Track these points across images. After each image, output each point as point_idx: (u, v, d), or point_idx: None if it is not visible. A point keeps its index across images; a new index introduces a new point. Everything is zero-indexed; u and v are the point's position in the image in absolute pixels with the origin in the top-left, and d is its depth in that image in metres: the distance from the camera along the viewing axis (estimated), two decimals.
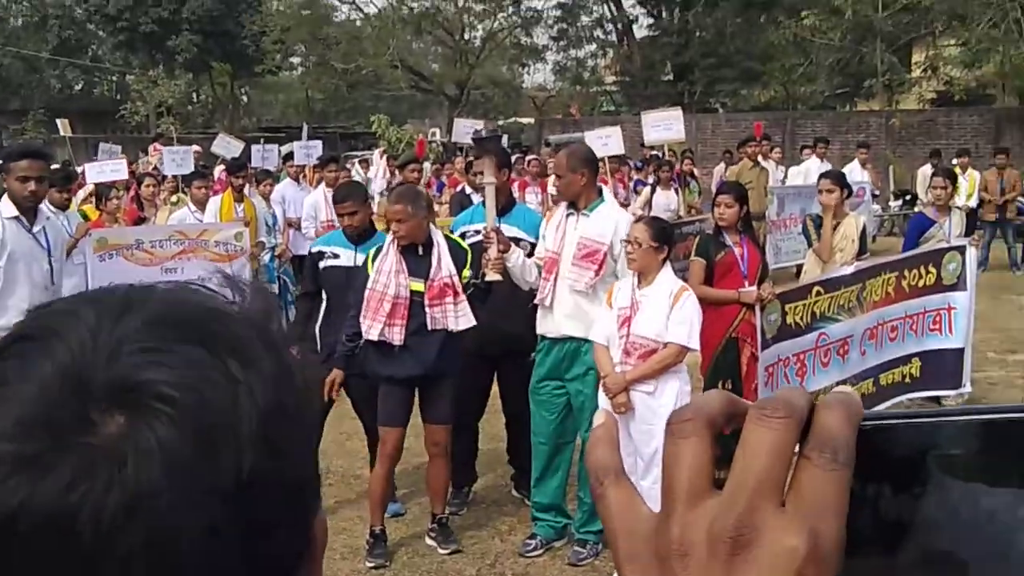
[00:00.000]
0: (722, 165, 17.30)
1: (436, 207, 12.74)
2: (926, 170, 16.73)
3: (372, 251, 5.67)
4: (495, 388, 6.47)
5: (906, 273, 7.73)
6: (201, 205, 10.38)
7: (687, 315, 5.12)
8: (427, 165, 16.60)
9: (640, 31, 35.69)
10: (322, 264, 5.99)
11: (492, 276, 5.43)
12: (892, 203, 20.38)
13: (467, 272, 5.52)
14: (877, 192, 17.46)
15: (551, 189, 12.57)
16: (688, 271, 6.94)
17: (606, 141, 12.78)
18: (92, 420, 0.57)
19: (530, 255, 5.67)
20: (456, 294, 5.43)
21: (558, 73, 37.94)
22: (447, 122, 32.50)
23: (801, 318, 7.01)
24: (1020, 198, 16.11)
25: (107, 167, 11.55)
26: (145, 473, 0.56)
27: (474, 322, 5.54)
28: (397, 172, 11.77)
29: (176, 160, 12.63)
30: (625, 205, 13.11)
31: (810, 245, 7.74)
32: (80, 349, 0.59)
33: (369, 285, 5.43)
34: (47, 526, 0.55)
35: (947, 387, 7.96)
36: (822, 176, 8.06)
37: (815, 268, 7.63)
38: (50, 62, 43.00)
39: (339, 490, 6.70)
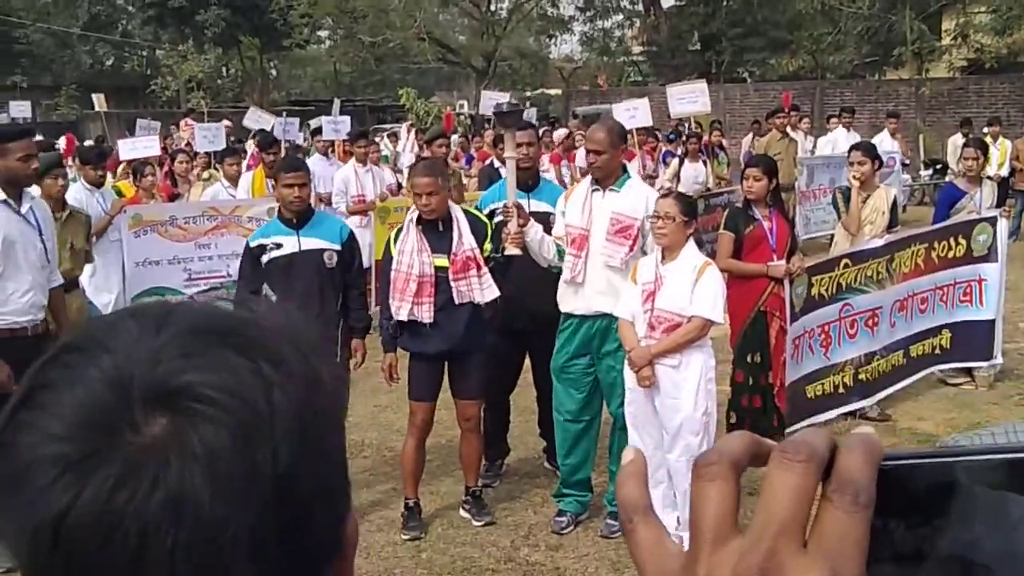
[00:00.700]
0: (750, 136, 17.23)
1: (465, 180, 12.84)
2: (957, 139, 16.60)
3: (392, 233, 5.73)
4: (526, 362, 6.53)
5: (936, 245, 7.74)
6: (234, 181, 10.51)
7: (711, 289, 5.16)
8: (455, 138, 16.65)
9: (667, 1, 35.44)
10: (265, 258, 5.69)
11: (512, 250, 5.45)
12: (922, 172, 20.23)
13: (488, 245, 5.58)
14: (907, 162, 17.34)
15: (579, 161, 12.60)
16: (717, 244, 6.99)
17: (634, 113, 12.77)
18: (136, 422, 0.60)
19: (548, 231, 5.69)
20: (479, 267, 5.50)
21: (585, 44, 37.79)
22: (475, 94, 32.45)
23: (826, 289, 7.05)
24: None
25: (140, 143, 11.66)
26: (188, 472, 0.59)
27: (498, 293, 5.60)
28: (424, 147, 11.80)
29: (208, 137, 12.75)
30: (653, 177, 13.16)
31: (839, 217, 7.74)
32: (124, 356, 0.63)
33: (393, 266, 5.48)
34: (95, 524, 0.58)
35: (978, 359, 7.98)
36: (852, 148, 8.02)
37: (844, 241, 7.64)
38: (81, 38, 43.22)
39: (374, 462, 6.81)
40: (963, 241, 7.84)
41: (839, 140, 15.26)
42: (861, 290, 7.23)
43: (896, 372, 7.57)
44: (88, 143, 16.65)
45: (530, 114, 18.63)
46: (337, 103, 18.43)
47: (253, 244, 5.76)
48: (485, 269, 5.51)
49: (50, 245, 5.88)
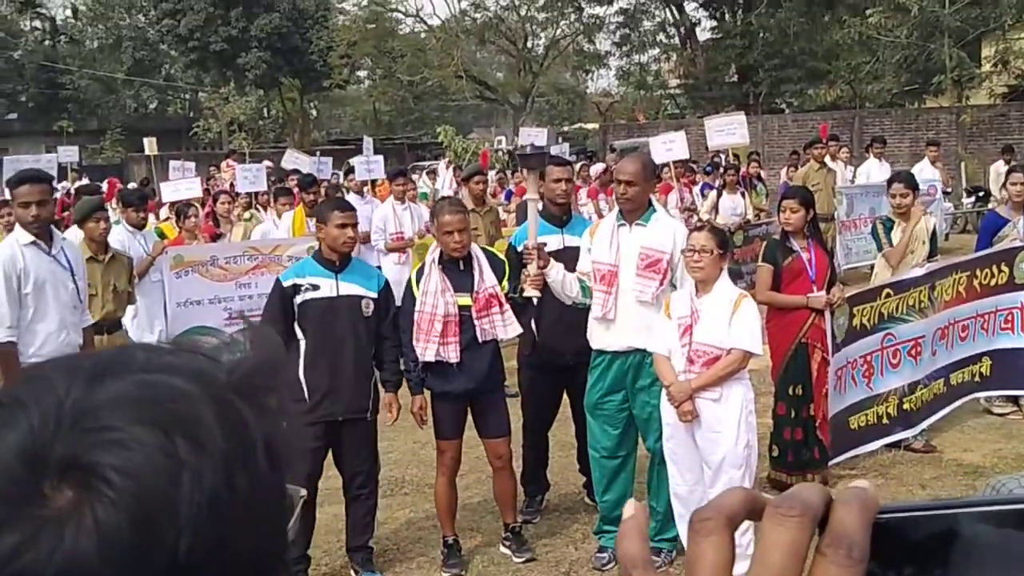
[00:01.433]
0: (788, 167, 17.17)
1: (503, 216, 12.89)
2: (999, 166, 16.44)
3: (413, 274, 5.72)
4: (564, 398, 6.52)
5: (978, 272, 7.66)
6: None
7: (748, 320, 5.14)
8: (491, 174, 16.75)
9: (703, 34, 35.52)
10: (299, 299, 5.39)
11: (530, 292, 5.46)
12: (964, 200, 20.04)
13: (505, 284, 5.58)
14: (949, 190, 17.18)
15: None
16: (756, 276, 6.96)
17: (670, 146, 12.79)
18: (44, 493, 0.61)
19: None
20: (501, 304, 5.50)
21: (621, 78, 37.86)
22: (512, 130, 32.66)
23: (868, 319, 7.00)
24: None
25: (182, 185, 11.85)
26: (82, 548, 0.60)
27: (520, 330, 5.63)
28: (462, 184, 11.87)
29: (249, 178, 12.92)
30: (692, 210, 13.14)
31: (879, 248, 7.67)
32: (41, 422, 0.63)
33: (417, 308, 5.47)
34: None
35: (1020, 387, 7.86)
36: (893, 179, 7.94)
37: (885, 271, 7.57)
38: (125, 82, 44.07)
39: (414, 499, 6.80)
40: (1006, 268, 7.75)
41: (872, 171, 15.18)
42: (903, 319, 7.17)
43: (937, 400, 7.49)
44: (132, 185, 16.93)
45: (562, 149, 18.68)
46: (369, 141, 18.58)
47: (286, 283, 5.44)
48: (507, 306, 5.51)
49: (82, 285, 5.96)
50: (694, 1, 34.83)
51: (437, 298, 5.45)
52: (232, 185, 15.08)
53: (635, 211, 5.51)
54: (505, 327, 5.52)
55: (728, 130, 13.43)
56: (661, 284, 5.40)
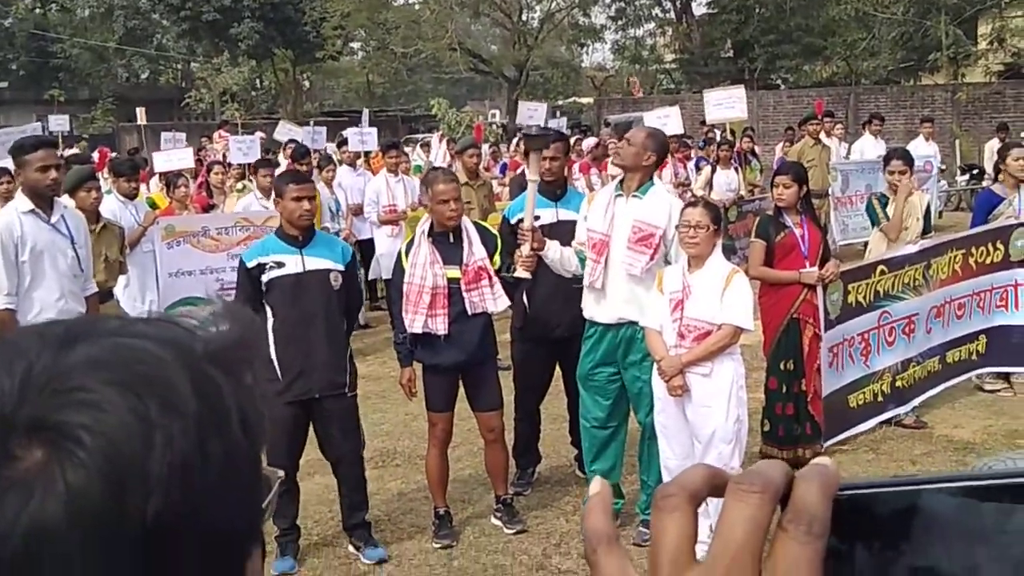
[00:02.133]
0: (784, 142, 17.14)
1: (498, 189, 12.85)
2: (993, 144, 16.43)
3: (403, 246, 5.70)
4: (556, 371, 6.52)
5: (973, 250, 7.66)
6: (267, 192, 10.53)
7: (740, 296, 5.13)
8: (485, 147, 16.68)
9: (699, 8, 35.37)
10: (265, 277, 5.26)
11: (521, 273, 5.45)
12: (959, 178, 20.05)
13: (497, 258, 5.56)
14: (944, 167, 17.18)
15: (611, 170, 12.57)
16: (749, 251, 6.95)
17: (664, 121, 12.75)
18: (14, 454, 0.60)
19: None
20: (491, 277, 5.48)
21: (617, 52, 37.76)
22: (506, 103, 32.55)
23: (864, 297, 7.00)
24: None
25: (174, 155, 11.80)
26: (50, 509, 0.59)
27: (509, 302, 5.63)
28: (456, 157, 11.83)
29: (243, 149, 12.87)
30: (686, 185, 13.11)
31: (874, 224, 7.66)
32: (10, 383, 0.62)
33: (406, 279, 5.45)
34: None
35: (1015, 364, 7.88)
36: (892, 155, 7.92)
37: (880, 246, 7.56)
38: (117, 52, 43.79)
39: (405, 471, 6.81)
40: (1001, 246, 7.75)
41: (867, 147, 15.16)
42: (899, 297, 7.18)
43: (932, 378, 7.51)
44: (120, 156, 16.84)
45: (560, 123, 18.60)
46: (367, 113, 18.53)
47: (250, 264, 5.28)
48: (496, 279, 5.49)
49: (83, 253, 5.92)
50: None
51: (426, 270, 5.42)
52: (225, 156, 15.01)
53: (631, 181, 5.47)
54: (495, 300, 5.50)
55: (727, 104, 13.38)
56: (652, 259, 5.37)
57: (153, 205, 9.51)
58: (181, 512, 0.62)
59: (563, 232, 5.78)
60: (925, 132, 15.80)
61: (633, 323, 5.43)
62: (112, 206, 8.17)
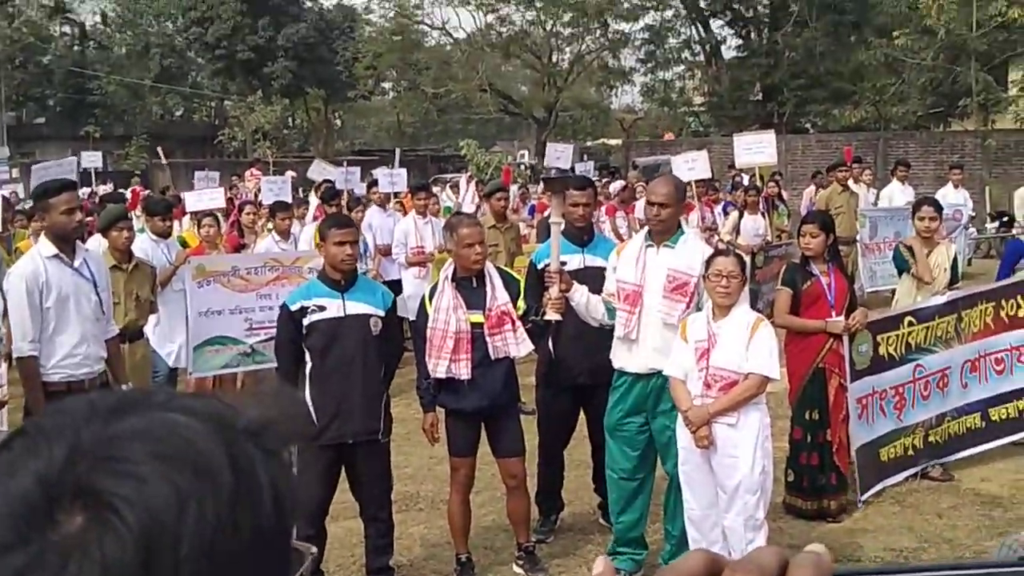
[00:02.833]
0: (812, 187, 17.12)
1: (525, 230, 12.90)
2: (1023, 192, 16.34)
3: (427, 291, 5.72)
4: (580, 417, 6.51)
5: (1003, 303, 7.57)
6: (284, 235, 10.64)
7: (766, 345, 5.12)
8: (513, 189, 16.76)
9: (728, 52, 35.54)
10: (306, 320, 5.29)
11: (552, 315, 5.45)
12: (988, 225, 19.92)
13: (521, 303, 5.57)
14: (974, 214, 17.09)
15: (639, 214, 12.60)
16: (775, 299, 6.94)
17: (692, 165, 12.78)
18: (57, 518, 0.63)
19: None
20: (513, 321, 5.48)
21: (646, 94, 37.88)
22: (535, 144, 32.70)
23: (895, 349, 6.93)
24: None
25: (205, 195, 11.92)
26: (84, 574, 0.62)
27: (532, 347, 5.62)
28: (484, 200, 11.91)
29: (274, 189, 12.99)
30: (713, 229, 13.11)
31: (900, 272, 7.62)
32: (60, 451, 0.66)
33: (430, 324, 5.46)
34: None
35: None
36: (923, 203, 7.87)
37: (907, 296, 7.52)
38: (152, 89, 44.42)
39: (428, 515, 6.80)
40: None
41: (895, 194, 15.11)
42: (930, 350, 7.10)
43: (973, 435, 7.35)
44: (152, 194, 17.04)
45: (587, 167, 18.65)
46: (398, 153, 18.65)
47: (294, 307, 5.34)
48: (519, 324, 5.49)
49: (104, 296, 5.93)
50: (720, 19, 34.87)
51: (449, 315, 5.44)
52: (256, 195, 15.15)
53: (666, 232, 5.51)
54: (517, 345, 5.50)
55: (757, 148, 13.39)
56: (688, 307, 5.39)
57: (184, 244, 9.61)
58: None
59: (590, 278, 5.79)
60: (954, 179, 15.73)
61: (662, 373, 5.43)
62: (144, 245, 8.27)
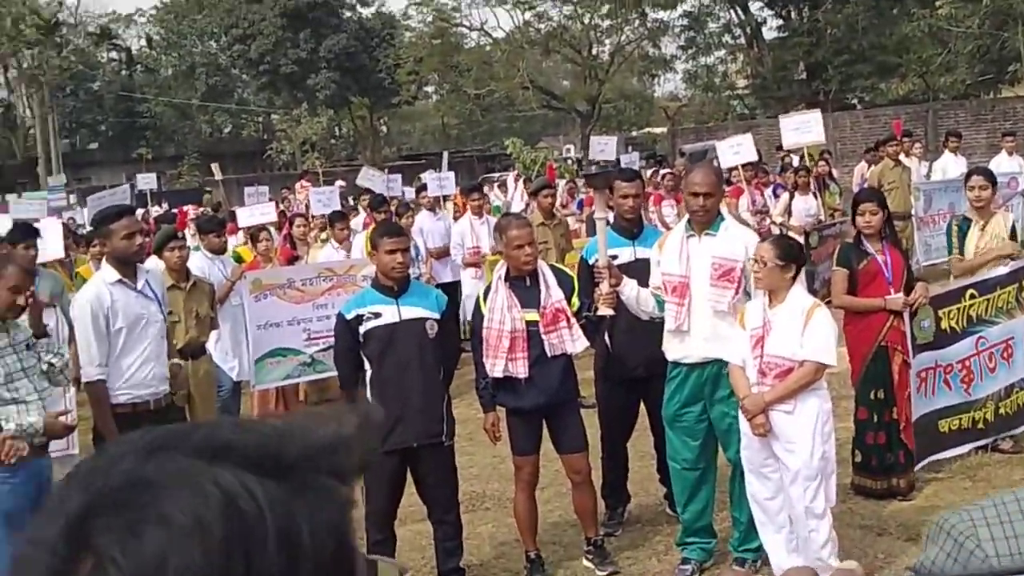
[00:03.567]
0: (864, 163, 16.91)
1: (575, 225, 12.90)
2: None
3: (481, 291, 5.75)
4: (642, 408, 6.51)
5: None
6: (344, 243, 10.80)
7: (821, 332, 5.06)
8: (561, 184, 16.75)
9: (769, 33, 35.21)
10: (363, 328, 5.36)
11: (604, 311, 5.45)
12: None
13: (575, 300, 5.57)
14: None
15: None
16: (832, 280, 6.88)
17: (738, 149, 12.69)
18: (76, 561, 0.70)
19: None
20: (569, 318, 5.49)
21: (688, 81, 37.68)
22: (580, 138, 32.65)
23: (956, 322, 6.83)
24: None
25: (257, 210, 12.07)
26: None
27: (588, 343, 5.63)
28: (531, 198, 11.95)
29: (323, 200, 13.12)
30: (764, 212, 13.02)
31: (950, 251, 7.51)
32: (81, 501, 0.72)
33: (485, 324, 5.49)
34: None
35: None
36: (973, 172, 7.76)
37: (958, 273, 7.41)
38: (200, 108, 45.07)
39: (496, 514, 6.83)
40: None
41: (948, 166, 14.88)
42: (992, 321, 7.00)
43: None
44: (206, 211, 17.29)
45: (632, 158, 18.58)
46: (446, 156, 18.72)
47: (349, 316, 5.39)
48: (574, 320, 5.50)
49: (164, 314, 6.05)
50: (759, 0, 34.54)
51: (504, 314, 5.47)
52: (308, 207, 15.31)
53: (707, 221, 5.50)
54: (573, 341, 5.52)
55: (804, 128, 13.26)
56: (736, 293, 5.38)
57: (239, 259, 9.74)
58: None
59: (640, 270, 5.79)
60: (1008, 146, 15.45)
61: (718, 360, 5.43)
62: (200, 263, 8.41)
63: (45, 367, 5.15)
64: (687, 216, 5.68)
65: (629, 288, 5.53)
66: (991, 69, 27.20)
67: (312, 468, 0.75)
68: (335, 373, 6.27)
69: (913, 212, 13.39)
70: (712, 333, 5.39)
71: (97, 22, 47.59)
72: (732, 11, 34.75)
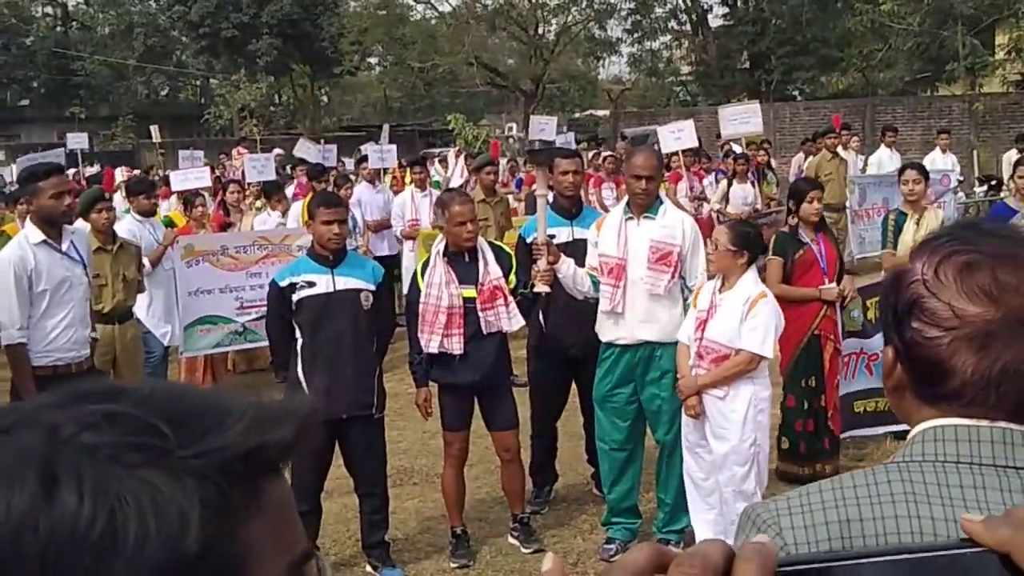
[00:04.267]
0: (801, 155, 17.10)
1: (514, 204, 12.87)
2: (1011, 155, 16.31)
3: (419, 266, 5.73)
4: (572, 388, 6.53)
5: None
6: (282, 213, 10.70)
7: (761, 322, 5.10)
8: (503, 162, 16.70)
9: (715, 21, 35.35)
10: (296, 296, 5.32)
11: (541, 287, 5.47)
12: (976, 189, 19.93)
13: (512, 278, 5.57)
14: (962, 179, 17.10)
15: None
16: (766, 269, 6.95)
17: (679, 135, 12.75)
18: None
19: None
20: (506, 296, 5.49)
21: (633, 65, 37.74)
22: (523, 117, 32.57)
23: None
24: None
25: (191, 175, 11.85)
26: None
27: (523, 322, 5.64)
28: (473, 174, 11.90)
29: (257, 167, 12.93)
30: (702, 199, 13.11)
31: (884, 245, 7.64)
32: None
33: (422, 300, 5.47)
34: None
35: None
36: (908, 167, 7.91)
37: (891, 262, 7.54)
38: (136, 69, 44.10)
39: (423, 489, 6.82)
40: None
41: (883, 160, 15.12)
42: None
43: None
44: (138, 173, 16.96)
45: (568, 139, 18.54)
46: (387, 129, 18.56)
47: (283, 283, 5.35)
48: (511, 299, 5.50)
49: (89, 278, 5.93)
50: None
51: (442, 290, 5.44)
52: (243, 174, 15.10)
53: (646, 205, 5.51)
54: (510, 319, 5.51)
55: (742, 119, 13.35)
56: (672, 277, 5.42)
57: (170, 224, 9.57)
58: None
59: (579, 251, 5.79)
60: (942, 144, 15.74)
61: (650, 342, 5.46)
62: (130, 225, 8.25)
63: None
64: (626, 198, 5.70)
65: (566, 267, 5.53)
66: (929, 67, 27.65)
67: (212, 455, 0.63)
68: (266, 343, 6.19)
69: (848, 204, 13.57)
70: (646, 316, 5.43)
71: None
72: None
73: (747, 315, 5.09)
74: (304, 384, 5.23)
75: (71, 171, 17.08)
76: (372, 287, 5.44)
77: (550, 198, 5.99)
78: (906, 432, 5.07)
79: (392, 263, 11.12)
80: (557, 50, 35.90)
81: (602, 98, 39.93)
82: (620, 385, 5.59)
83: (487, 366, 5.51)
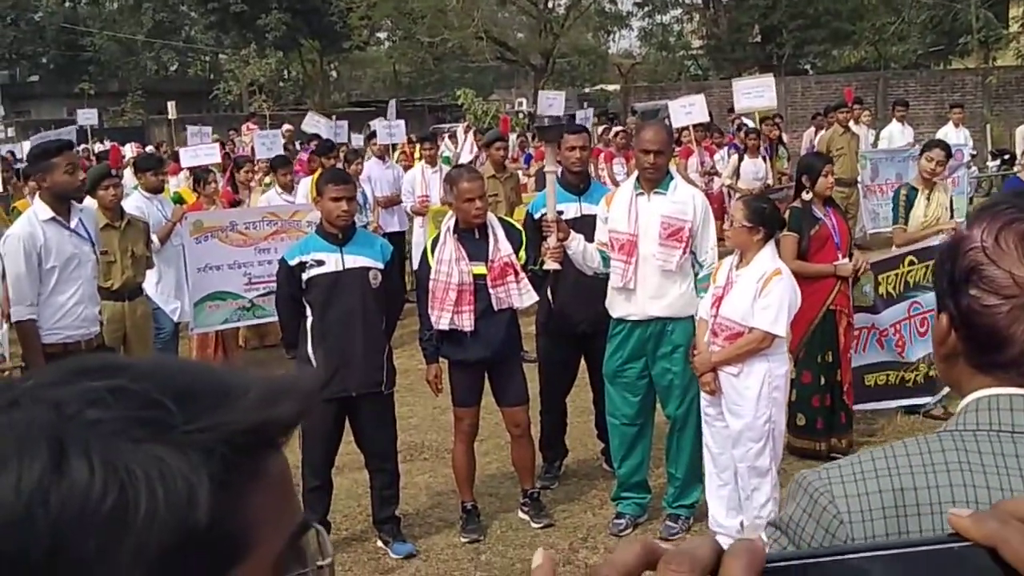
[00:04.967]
0: (812, 129, 17.01)
1: (524, 179, 12.83)
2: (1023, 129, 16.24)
3: (429, 243, 5.70)
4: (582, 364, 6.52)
5: None
6: (287, 188, 10.65)
7: (775, 300, 5.03)
8: (512, 138, 16.65)
9: None
10: (305, 275, 5.31)
11: (551, 264, 5.46)
12: (990, 163, 19.82)
13: (523, 254, 5.54)
14: (975, 153, 17.00)
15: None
16: (780, 245, 6.91)
17: (690, 110, 12.70)
18: None
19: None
20: (516, 272, 5.46)
21: (643, 39, 37.59)
22: (533, 92, 32.45)
23: (894, 287, 6.96)
24: None
25: (201, 151, 11.82)
26: None
27: (536, 298, 5.63)
28: (483, 150, 11.86)
29: (266, 143, 12.90)
30: (713, 173, 13.06)
31: (895, 220, 7.59)
32: None
33: (432, 276, 5.45)
34: None
35: None
36: (933, 145, 7.82)
37: (903, 240, 7.51)
38: (145, 44, 44.05)
39: (433, 464, 6.83)
40: None
41: (894, 134, 15.01)
42: (927, 287, 7.11)
43: None
44: (150, 149, 16.96)
45: (585, 115, 18.49)
46: (394, 105, 18.48)
47: (292, 262, 5.34)
48: (523, 275, 5.47)
49: (97, 255, 5.94)
50: None
51: (452, 267, 5.42)
52: (253, 150, 15.07)
53: (657, 180, 5.48)
54: (521, 295, 5.49)
55: (756, 93, 13.26)
56: (684, 252, 5.39)
57: (179, 200, 9.56)
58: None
59: (587, 226, 5.76)
60: (955, 118, 15.61)
61: (662, 317, 5.44)
62: (138, 202, 8.24)
63: None
64: (636, 174, 5.66)
65: (576, 243, 5.51)
66: (942, 40, 27.45)
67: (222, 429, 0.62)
68: (275, 318, 6.19)
69: (859, 179, 13.50)
70: (657, 292, 5.41)
71: None
72: None
73: (760, 293, 5.05)
74: (313, 362, 5.25)
75: (81, 147, 17.12)
76: (381, 265, 5.42)
77: (559, 173, 5.96)
78: (915, 407, 5.10)
79: (402, 239, 11.10)
80: (567, 24, 35.72)
81: (612, 72, 39.74)
82: (631, 360, 5.58)
83: (498, 342, 5.50)
